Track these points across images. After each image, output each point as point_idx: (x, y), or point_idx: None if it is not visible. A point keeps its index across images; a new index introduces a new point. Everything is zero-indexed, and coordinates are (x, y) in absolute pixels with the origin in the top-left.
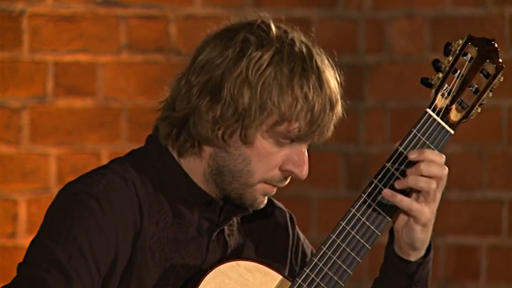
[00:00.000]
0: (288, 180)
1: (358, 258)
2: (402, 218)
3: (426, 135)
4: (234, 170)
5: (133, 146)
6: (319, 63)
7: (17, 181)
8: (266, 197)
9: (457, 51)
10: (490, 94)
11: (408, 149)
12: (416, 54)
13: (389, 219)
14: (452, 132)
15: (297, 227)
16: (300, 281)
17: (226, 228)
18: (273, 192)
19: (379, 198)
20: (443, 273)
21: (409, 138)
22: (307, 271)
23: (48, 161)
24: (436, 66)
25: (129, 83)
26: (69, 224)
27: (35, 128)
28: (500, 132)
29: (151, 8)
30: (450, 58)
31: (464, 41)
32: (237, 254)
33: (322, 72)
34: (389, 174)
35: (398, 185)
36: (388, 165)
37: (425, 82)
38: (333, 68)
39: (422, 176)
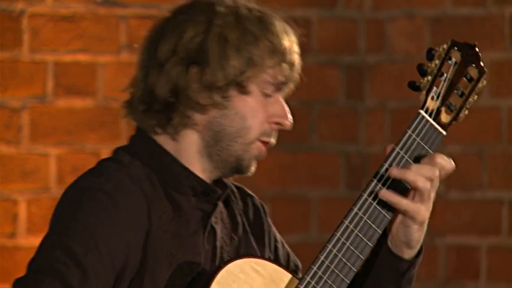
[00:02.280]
0: (276, 135)
1: (361, 256)
2: (399, 217)
3: (420, 135)
4: (231, 132)
5: None
6: (279, 18)
7: (17, 181)
8: (256, 162)
9: (443, 55)
10: (475, 97)
11: (404, 149)
12: (416, 54)
13: (390, 218)
14: (445, 133)
15: (268, 215)
16: (308, 278)
17: (213, 216)
18: (265, 155)
19: (379, 197)
20: (443, 273)
21: (405, 138)
22: (315, 268)
23: (48, 161)
24: (421, 70)
25: None
26: (85, 219)
27: (35, 128)
28: (500, 132)
29: (151, 8)
30: (437, 61)
31: (448, 45)
32: (225, 243)
33: (285, 22)
34: (387, 174)
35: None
36: (386, 165)
37: (413, 85)
38: (288, 23)
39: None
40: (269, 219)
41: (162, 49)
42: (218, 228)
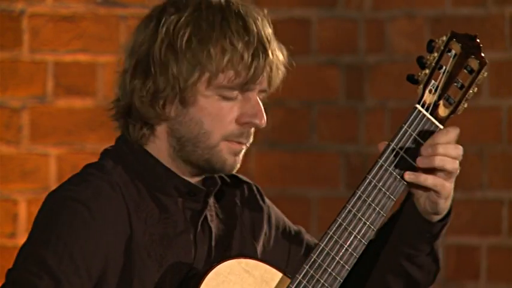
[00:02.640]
0: (252, 133)
1: (355, 254)
2: (422, 193)
3: (417, 130)
4: (191, 137)
5: None
6: (241, 10)
7: (17, 181)
8: (238, 157)
9: (442, 48)
10: (475, 90)
11: (400, 145)
12: (417, 54)
13: (384, 215)
14: (442, 127)
15: (265, 196)
16: (300, 278)
17: (208, 214)
18: (242, 150)
19: (373, 194)
20: (443, 273)
21: (400, 134)
22: (307, 267)
23: (48, 161)
24: (421, 62)
25: None
26: (59, 229)
27: (35, 128)
28: (500, 132)
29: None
30: (435, 54)
31: (448, 37)
32: (222, 241)
33: (244, 17)
34: (382, 170)
35: (421, 164)
36: (380, 161)
37: (411, 79)
38: (260, 15)
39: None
40: (267, 201)
41: (125, 55)
42: (214, 226)
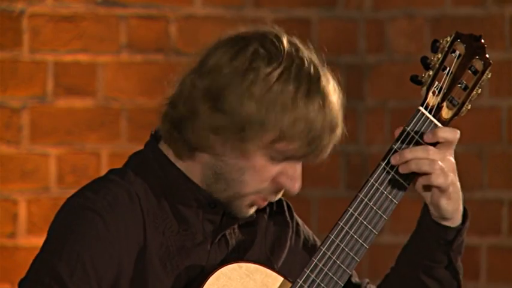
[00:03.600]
0: (280, 195)
1: (356, 258)
2: (427, 195)
3: (420, 133)
4: (228, 179)
5: (133, 146)
6: (325, 85)
7: (16, 181)
8: (254, 208)
9: (446, 48)
10: (479, 91)
11: (402, 147)
12: (416, 54)
13: (386, 218)
14: None
15: (295, 214)
16: (300, 282)
17: (225, 228)
18: (262, 206)
19: (375, 197)
20: None
21: (403, 136)
22: (308, 271)
23: (48, 161)
24: (425, 63)
25: (129, 83)
26: (72, 240)
27: (35, 128)
28: (500, 132)
29: (151, 8)
30: (439, 55)
31: (452, 37)
32: (238, 252)
33: (327, 95)
34: (385, 173)
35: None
36: (383, 164)
37: (415, 80)
38: (338, 91)
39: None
40: (296, 218)
41: (202, 65)
42: (230, 239)
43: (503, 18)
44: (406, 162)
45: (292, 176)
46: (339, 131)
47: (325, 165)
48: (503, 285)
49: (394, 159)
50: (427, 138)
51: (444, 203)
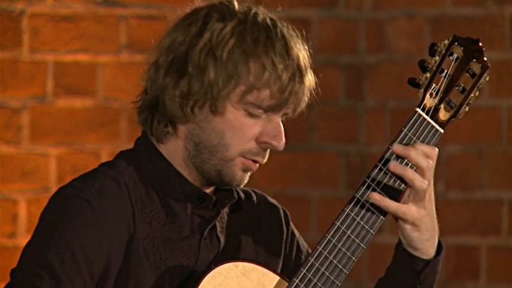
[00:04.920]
0: (267, 155)
1: (353, 258)
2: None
3: (417, 134)
4: (209, 146)
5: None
6: (285, 32)
7: (17, 181)
8: (247, 174)
9: (443, 51)
10: (477, 93)
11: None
12: (416, 54)
13: (383, 219)
14: (442, 131)
15: (291, 223)
16: (297, 281)
17: (218, 225)
18: (254, 169)
19: (368, 204)
20: (443, 273)
21: (400, 137)
22: (304, 271)
23: (48, 161)
24: (423, 66)
25: (129, 83)
26: (61, 228)
27: (35, 128)
28: (500, 132)
29: (151, 8)
30: (437, 58)
31: (449, 41)
32: (230, 252)
33: (288, 40)
34: (381, 174)
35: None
36: (380, 165)
37: (413, 82)
38: (300, 39)
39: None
40: (292, 228)
41: (157, 51)
42: (223, 238)
43: (503, 18)
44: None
45: (274, 133)
46: (309, 77)
47: (324, 165)
48: (503, 285)
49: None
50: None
51: (409, 230)
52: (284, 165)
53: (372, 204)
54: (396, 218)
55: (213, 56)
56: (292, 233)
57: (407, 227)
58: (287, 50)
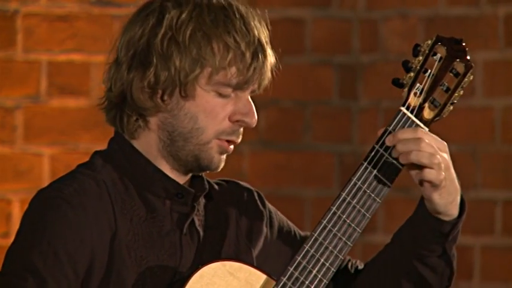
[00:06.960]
0: (241, 134)
1: (340, 256)
2: (423, 189)
3: None
4: (184, 132)
5: None
6: (242, 10)
7: (10, 181)
8: (223, 157)
9: (427, 51)
10: (461, 92)
11: (384, 147)
12: (410, 54)
13: (370, 217)
14: (427, 129)
15: (266, 202)
16: (284, 279)
17: (196, 219)
18: (230, 150)
19: (358, 196)
20: None
21: (385, 136)
22: (291, 269)
23: (42, 161)
24: (406, 66)
25: None
26: (42, 228)
27: (28, 127)
28: (494, 132)
29: None
30: (420, 58)
31: (433, 41)
32: (212, 244)
33: (245, 17)
34: (367, 172)
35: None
36: (365, 163)
37: (397, 82)
38: (257, 16)
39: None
40: (269, 206)
41: (118, 48)
42: (202, 231)
43: (496, 18)
44: (407, 152)
45: (245, 110)
46: (269, 50)
47: (318, 165)
48: (497, 285)
49: (389, 140)
50: (388, 141)
51: (436, 197)
52: (278, 165)
53: (357, 203)
54: (421, 182)
55: (175, 42)
56: (269, 210)
57: (435, 196)
58: (246, 27)
